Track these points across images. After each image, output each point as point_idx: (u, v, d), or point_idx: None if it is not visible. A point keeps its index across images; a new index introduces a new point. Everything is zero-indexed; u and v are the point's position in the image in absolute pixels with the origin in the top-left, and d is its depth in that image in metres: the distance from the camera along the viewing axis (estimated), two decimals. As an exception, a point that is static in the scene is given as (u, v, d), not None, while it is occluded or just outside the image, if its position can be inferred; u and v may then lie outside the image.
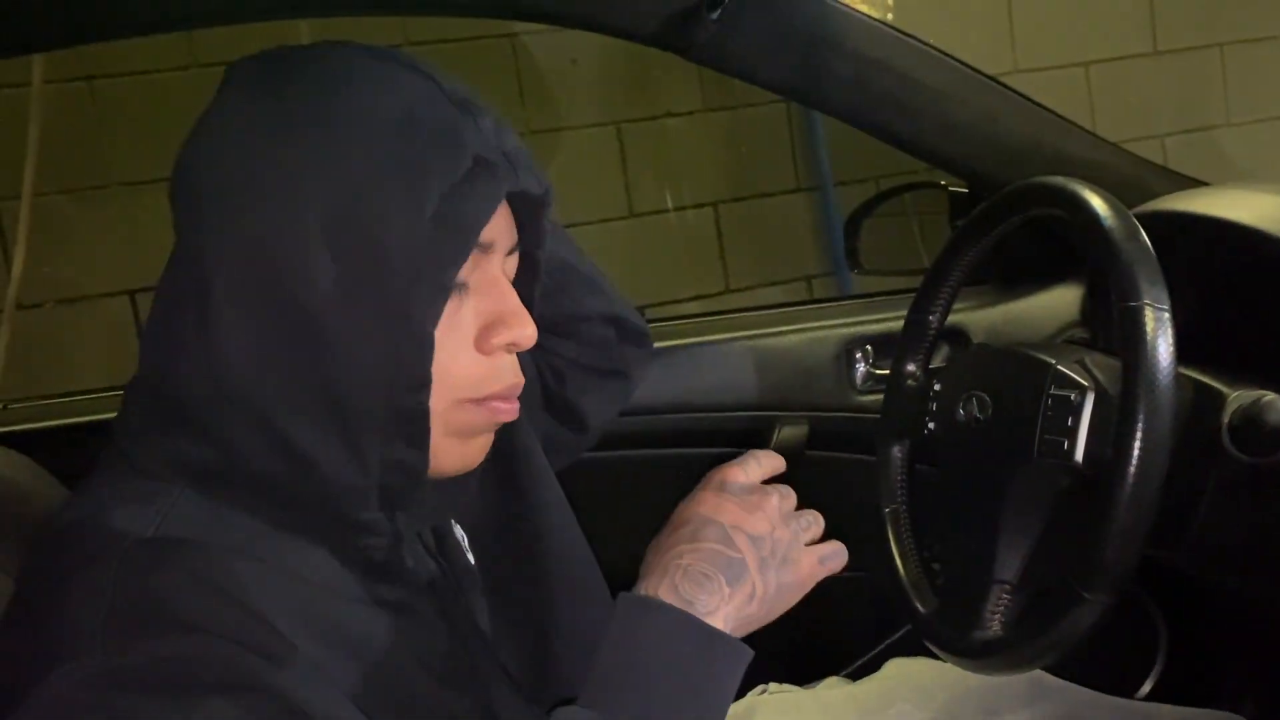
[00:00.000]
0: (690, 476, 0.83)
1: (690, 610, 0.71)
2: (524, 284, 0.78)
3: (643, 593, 0.73)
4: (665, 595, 0.72)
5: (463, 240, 0.67)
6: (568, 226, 0.76)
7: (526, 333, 0.72)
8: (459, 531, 0.86)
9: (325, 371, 0.65)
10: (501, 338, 0.71)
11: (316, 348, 0.65)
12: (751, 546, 0.75)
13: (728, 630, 0.72)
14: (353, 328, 0.65)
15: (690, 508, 0.77)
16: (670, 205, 2.73)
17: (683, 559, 0.73)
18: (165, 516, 0.66)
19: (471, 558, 0.85)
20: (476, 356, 0.71)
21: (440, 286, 0.67)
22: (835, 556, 0.80)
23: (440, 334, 0.67)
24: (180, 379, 0.68)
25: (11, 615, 0.66)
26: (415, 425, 0.68)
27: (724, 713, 0.72)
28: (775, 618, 0.77)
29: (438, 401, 0.69)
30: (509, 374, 0.73)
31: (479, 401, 0.72)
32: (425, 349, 0.67)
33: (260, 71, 0.70)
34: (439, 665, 0.74)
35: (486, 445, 0.76)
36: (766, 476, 0.81)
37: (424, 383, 0.67)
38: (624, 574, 0.78)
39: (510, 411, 0.74)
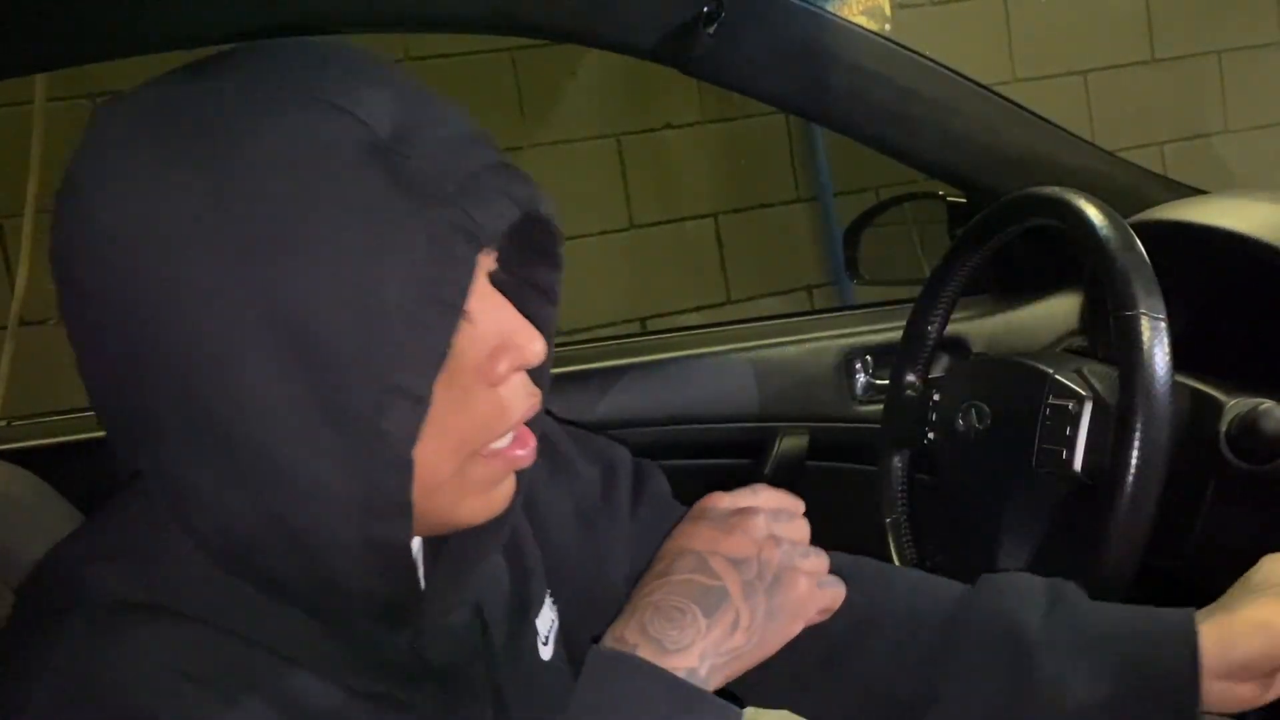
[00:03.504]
0: (691, 488, 0.82)
1: (661, 649, 0.64)
2: (526, 290, 0.68)
3: (611, 636, 0.65)
4: (633, 636, 0.64)
5: (433, 338, 0.56)
6: (569, 239, 0.70)
7: (535, 348, 0.62)
8: (548, 614, 0.78)
9: (283, 502, 0.57)
10: (506, 362, 0.61)
11: (271, 475, 0.56)
12: (733, 570, 0.67)
13: (707, 666, 0.64)
14: (313, 452, 0.55)
15: (667, 543, 0.70)
16: (671, 217, 2.74)
17: (653, 594, 0.66)
18: (165, 580, 0.60)
19: (549, 649, 0.77)
20: (485, 392, 0.61)
21: (416, 400, 0.56)
22: (834, 583, 0.71)
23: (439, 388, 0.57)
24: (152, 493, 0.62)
25: None
26: (393, 557, 0.59)
27: None
28: (774, 648, 0.68)
29: (446, 465, 0.60)
30: (521, 397, 0.63)
31: (493, 454, 0.63)
32: (404, 473, 0.57)
33: (143, 124, 0.57)
34: None
35: (512, 487, 0.66)
36: (756, 505, 0.71)
37: (402, 511, 0.58)
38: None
39: (529, 456, 0.64)
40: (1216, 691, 0.74)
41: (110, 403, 0.61)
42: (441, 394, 0.57)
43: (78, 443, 1.22)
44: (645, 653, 0.63)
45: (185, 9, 1.12)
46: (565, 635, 0.79)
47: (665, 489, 0.87)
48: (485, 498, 0.64)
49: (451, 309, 0.56)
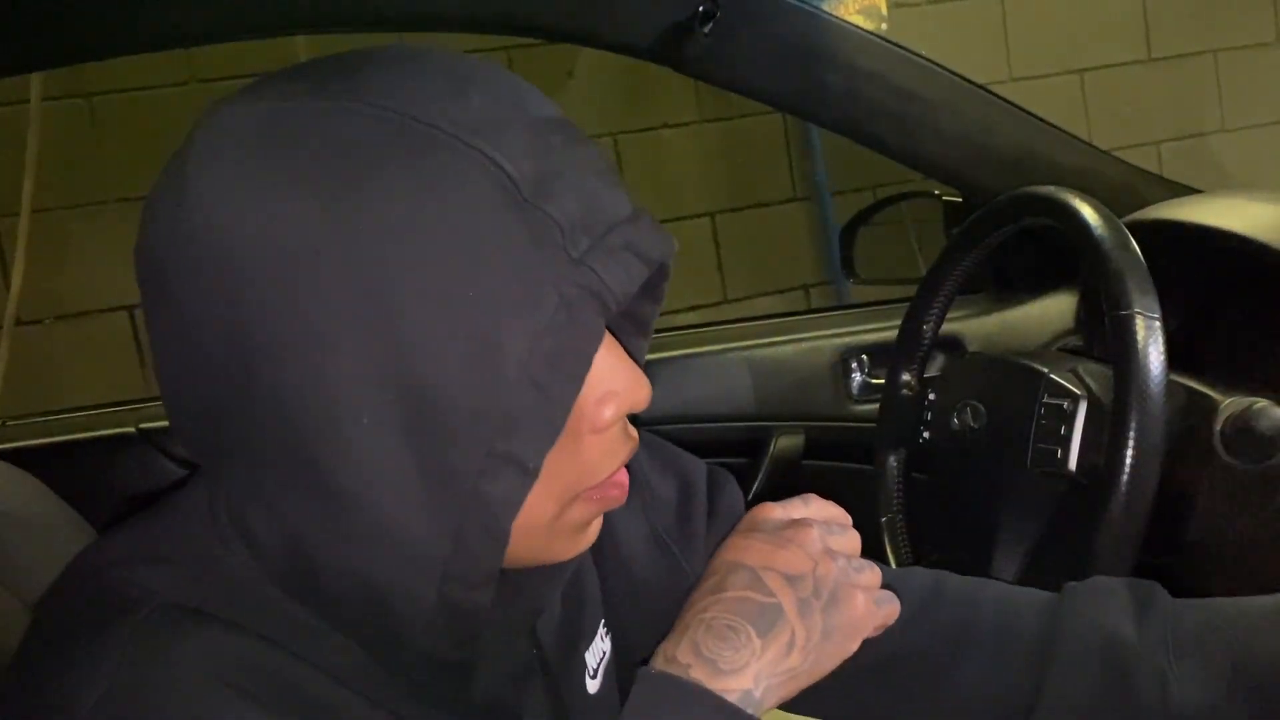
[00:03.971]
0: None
1: (716, 670, 0.61)
2: (621, 321, 0.67)
3: (662, 656, 0.63)
4: (685, 656, 0.62)
5: (551, 409, 0.53)
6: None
7: (644, 394, 0.60)
8: (599, 646, 0.75)
9: (363, 548, 0.55)
10: (613, 409, 0.59)
11: (355, 518, 0.54)
12: (788, 587, 0.64)
13: (763, 688, 0.62)
14: (405, 505, 0.53)
15: (718, 555, 0.68)
16: (667, 216, 2.74)
17: (706, 612, 0.63)
18: (218, 588, 0.58)
19: (596, 683, 0.74)
20: (590, 438, 0.59)
21: (526, 470, 0.53)
22: (888, 599, 0.69)
23: None
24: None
25: (22, 654, 0.59)
26: (465, 624, 0.57)
27: None
28: (830, 668, 0.65)
29: (547, 512, 0.58)
30: (623, 440, 0.61)
31: (593, 491, 0.61)
32: (499, 542, 0.54)
33: (267, 136, 0.53)
34: None
35: (600, 524, 0.64)
36: (810, 516, 0.70)
37: (488, 580, 0.56)
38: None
39: (623, 494, 0.63)
40: None
41: (189, 406, 0.58)
42: None
43: (73, 443, 1.22)
44: (698, 674, 0.61)
45: (184, 9, 1.12)
46: (621, 666, 0.77)
47: (739, 501, 0.84)
48: (576, 537, 0.62)
49: (574, 379, 0.54)
